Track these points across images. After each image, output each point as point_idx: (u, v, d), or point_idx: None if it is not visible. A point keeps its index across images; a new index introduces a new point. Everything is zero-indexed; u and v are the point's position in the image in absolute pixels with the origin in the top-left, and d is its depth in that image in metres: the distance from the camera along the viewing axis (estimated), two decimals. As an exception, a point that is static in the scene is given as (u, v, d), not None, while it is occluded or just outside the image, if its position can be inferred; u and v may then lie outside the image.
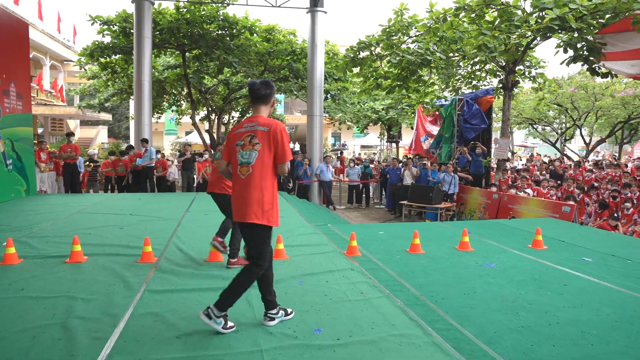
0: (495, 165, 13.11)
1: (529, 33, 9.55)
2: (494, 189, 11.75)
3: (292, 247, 5.59)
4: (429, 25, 10.60)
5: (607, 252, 5.88)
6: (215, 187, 4.76)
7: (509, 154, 15.34)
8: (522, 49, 10.37)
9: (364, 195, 15.03)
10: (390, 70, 12.95)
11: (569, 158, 21.69)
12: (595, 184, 11.04)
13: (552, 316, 3.61)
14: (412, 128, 18.48)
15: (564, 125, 22.47)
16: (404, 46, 12.45)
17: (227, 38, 12.96)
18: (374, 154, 31.52)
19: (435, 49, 11.55)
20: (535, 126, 22.69)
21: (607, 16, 8.94)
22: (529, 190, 10.66)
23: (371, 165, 15.98)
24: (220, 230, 4.81)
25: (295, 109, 38.23)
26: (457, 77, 15.03)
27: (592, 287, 4.38)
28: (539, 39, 10.11)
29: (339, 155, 23.98)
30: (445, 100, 14.52)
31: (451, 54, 11.89)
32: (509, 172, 12.76)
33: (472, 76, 14.73)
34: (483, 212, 11.07)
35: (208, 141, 16.99)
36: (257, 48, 13.65)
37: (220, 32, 13.19)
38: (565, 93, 19.06)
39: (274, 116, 23.15)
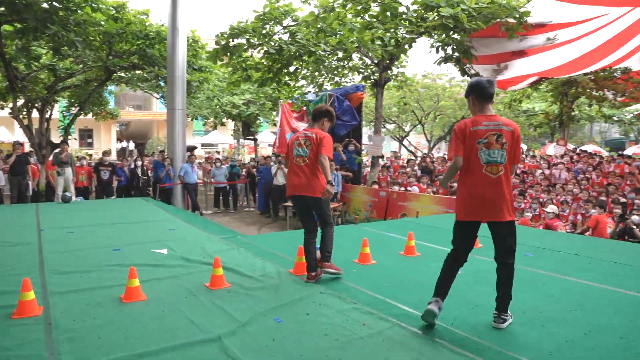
0: (371, 163, 13.25)
1: (417, 30, 9.68)
2: (375, 186, 11.80)
3: (225, 270, 4.51)
4: (316, 13, 10.09)
5: (537, 245, 6.03)
6: (307, 189, 4.35)
7: (383, 151, 15.79)
8: (408, 45, 10.53)
9: (230, 198, 13.96)
10: (262, 61, 12.16)
11: (412, 154, 23.45)
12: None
13: (587, 323, 3.32)
14: (274, 125, 17.91)
15: (407, 123, 24.21)
16: (276, 37, 11.78)
17: (63, 12, 10.68)
18: (218, 152, 30.22)
19: (311, 41, 11.13)
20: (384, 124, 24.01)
21: (488, 20, 9.46)
22: (414, 188, 10.89)
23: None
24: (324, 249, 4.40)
25: (127, 103, 34.67)
26: (321, 73, 14.92)
27: (567, 284, 4.28)
28: (420, 36, 10.32)
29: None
30: (317, 95, 14.22)
31: (329, 48, 11.59)
32: (387, 169, 12.99)
33: (336, 72, 14.76)
34: (370, 210, 11.00)
35: (27, 138, 13.96)
36: (104, 27, 11.57)
37: (52, 3, 10.82)
38: (414, 93, 20.39)
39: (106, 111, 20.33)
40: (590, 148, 19.90)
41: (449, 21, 8.83)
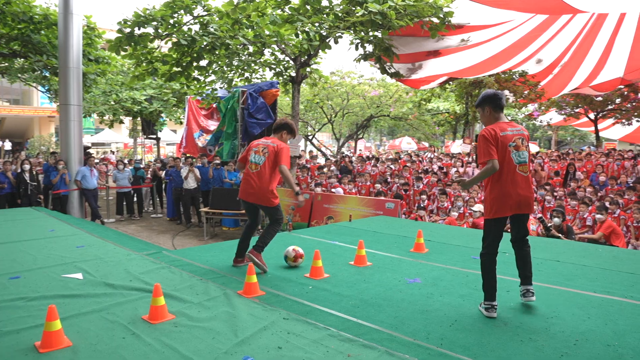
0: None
1: (344, 24, 9.43)
2: (297, 188, 11.41)
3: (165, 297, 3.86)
4: (235, 2, 9.45)
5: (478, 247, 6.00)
6: (257, 197, 4.70)
7: (300, 151, 15.38)
8: (334, 40, 10.25)
9: (135, 204, 12.80)
10: (170, 54, 11.23)
11: (322, 153, 23.42)
12: (389, 179, 11.84)
13: (572, 332, 3.19)
14: (180, 123, 16.80)
15: (314, 121, 24.10)
16: (186, 27, 10.94)
17: None
18: (113, 152, 28.04)
19: (227, 33, 10.47)
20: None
21: (414, 18, 9.46)
22: (339, 189, 10.67)
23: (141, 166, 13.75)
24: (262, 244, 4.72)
25: (1, 97, 30.90)
26: (231, 68, 14.24)
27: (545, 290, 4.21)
28: (348, 30, 10.10)
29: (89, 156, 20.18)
30: (229, 92, 13.48)
31: (247, 41, 11.00)
32: (306, 170, 12.63)
33: (246, 67, 14.17)
34: (292, 213, 10.59)
35: None
36: (-24, 7, 9.94)
37: None
38: (327, 90, 20.28)
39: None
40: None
41: (377, 17, 8.68)
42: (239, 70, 14.21)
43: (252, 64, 13.79)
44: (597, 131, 20.73)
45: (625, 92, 18.84)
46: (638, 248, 8.20)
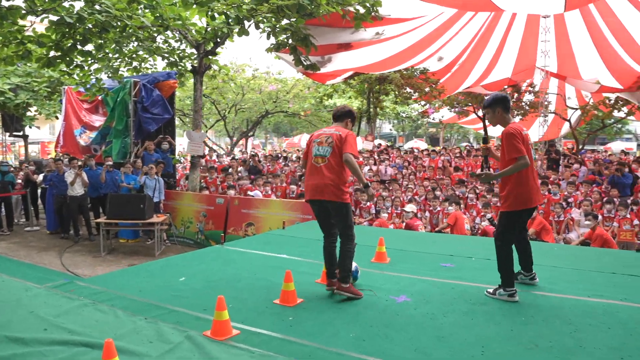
0: (190, 164, 11.66)
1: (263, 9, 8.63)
2: (205, 192, 10.40)
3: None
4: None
5: (445, 253, 5.68)
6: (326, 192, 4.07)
7: (206, 150, 14.10)
8: (255, 25, 9.39)
9: (4, 215, 10.79)
10: (48, 34, 9.54)
11: (214, 151, 22.20)
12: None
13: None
14: (56, 117, 14.62)
15: (208, 119, 22.78)
16: (67, 3, 9.37)
17: None
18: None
19: (125, 12, 9.14)
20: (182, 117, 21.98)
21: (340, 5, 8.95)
22: (256, 192, 9.84)
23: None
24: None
25: None
26: (120, 55, 12.72)
27: (540, 299, 3.91)
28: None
29: None
30: (119, 83, 11.89)
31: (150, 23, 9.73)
32: (214, 170, 11.55)
33: (134, 56, 12.77)
34: (204, 221, 9.56)
35: None
36: None
37: None
38: (214, 83, 19.10)
39: None
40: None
41: (305, 1, 8.03)
42: (126, 59, 12.75)
43: (141, 52, 12.44)
44: (485, 127, 22.04)
45: (509, 92, 20.22)
46: (561, 242, 8.51)
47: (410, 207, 8.70)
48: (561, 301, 4.03)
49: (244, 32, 8.91)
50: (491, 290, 4.10)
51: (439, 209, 9.38)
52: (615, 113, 19.44)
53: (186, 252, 5.89)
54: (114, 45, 10.88)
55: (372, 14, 9.08)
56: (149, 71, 13.80)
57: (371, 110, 18.68)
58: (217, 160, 14.12)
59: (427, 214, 9.55)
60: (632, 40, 14.20)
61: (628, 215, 8.20)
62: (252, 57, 57.56)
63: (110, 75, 12.17)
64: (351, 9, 9.05)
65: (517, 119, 21.61)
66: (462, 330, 3.38)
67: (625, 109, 19.15)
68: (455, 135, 42.64)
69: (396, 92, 17.82)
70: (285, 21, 10.03)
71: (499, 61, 17.63)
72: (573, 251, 6.18)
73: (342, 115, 4.34)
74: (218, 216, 9.37)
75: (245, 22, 9.05)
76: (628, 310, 3.81)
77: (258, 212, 8.93)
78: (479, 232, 8.55)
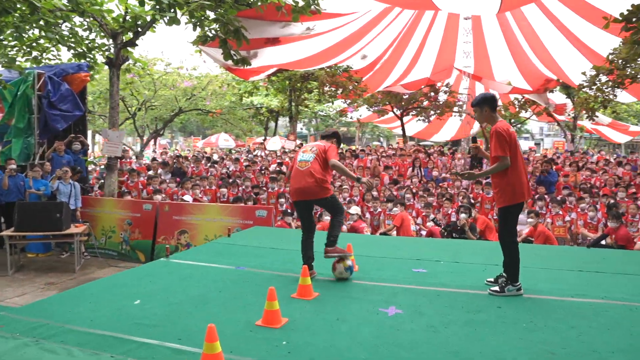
0: (106, 166, 10.64)
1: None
2: (127, 197, 9.55)
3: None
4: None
5: (409, 257, 5.54)
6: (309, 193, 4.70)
7: (125, 150, 12.80)
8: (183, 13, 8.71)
9: None
10: None
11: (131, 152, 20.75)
12: (238, 180, 10.74)
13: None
14: None
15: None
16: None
17: None
18: None
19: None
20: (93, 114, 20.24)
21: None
22: (188, 197, 9.16)
23: None
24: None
25: None
26: (13, 44, 11.42)
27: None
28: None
29: None
30: (20, 74, 10.55)
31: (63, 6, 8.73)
32: (136, 174, 10.60)
33: (34, 44, 11.56)
34: (129, 229, 8.75)
35: None
36: None
37: None
38: (125, 78, 17.82)
39: None
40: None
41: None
42: (24, 48, 11.50)
43: (42, 40, 11.26)
44: (402, 125, 22.62)
45: (427, 92, 20.90)
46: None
47: (355, 209, 8.53)
48: (548, 303, 4.03)
49: (174, 20, 8.23)
50: (497, 289, 4.17)
51: (379, 209, 9.32)
52: (522, 114, 20.79)
53: (131, 269, 5.22)
54: (11, 30, 9.74)
55: (312, 7, 8.79)
56: (52, 62, 12.53)
57: (293, 108, 18.40)
58: (135, 161, 13.07)
59: (367, 215, 9.45)
60: (542, 46, 15.15)
61: (560, 212, 8.64)
62: (164, 50, 54.84)
63: (4, 65, 10.84)
64: (290, 1, 8.70)
65: (432, 118, 22.52)
66: (472, 343, 3.21)
67: (530, 110, 20.53)
68: (367, 135, 43.59)
69: (320, 90, 17.69)
70: (211, 13, 9.51)
71: (419, 61, 18.12)
72: (533, 250, 6.27)
73: (329, 136, 5.11)
74: (146, 224, 8.60)
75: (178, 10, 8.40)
76: (615, 309, 3.87)
77: (192, 218, 8.30)
78: (424, 233, 8.57)
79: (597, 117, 16.09)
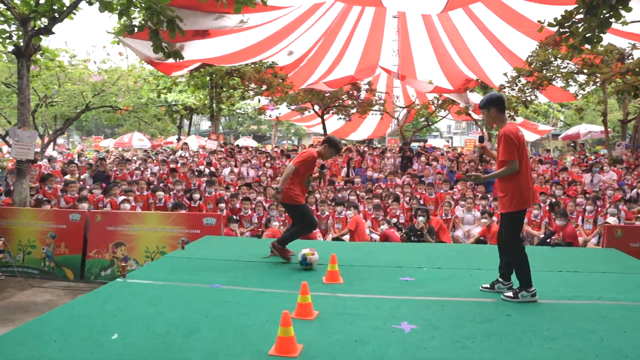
0: (16, 170, 9.43)
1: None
2: (47, 206, 8.57)
3: None
4: None
5: (388, 265, 5.38)
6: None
7: (37, 152, 11.25)
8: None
9: None
10: None
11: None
12: (169, 184, 10.04)
13: None
14: None
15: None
16: None
17: None
18: None
19: None
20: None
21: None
22: (126, 205, 8.36)
23: None
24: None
25: None
26: None
27: (537, 308, 3.84)
28: None
29: None
30: None
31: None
32: (51, 180, 9.48)
33: None
34: (52, 243, 7.81)
35: None
36: None
37: None
38: (32, 72, 16.07)
39: None
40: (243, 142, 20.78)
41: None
42: None
43: None
44: (323, 122, 22.56)
45: (349, 90, 21.01)
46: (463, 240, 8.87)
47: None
48: (550, 307, 4.06)
49: (107, 7, 7.43)
50: (510, 294, 4.15)
51: (327, 213, 9.11)
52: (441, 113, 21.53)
53: (85, 294, 4.49)
54: None
55: (257, -1, 8.35)
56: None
57: (214, 106, 17.70)
58: (49, 165, 11.80)
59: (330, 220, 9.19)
60: (465, 47, 15.76)
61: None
62: (67, 41, 50.66)
63: None
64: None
65: (353, 115, 22.69)
66: (506, 357, 3.09)
67: (447, 110, 21.29)
68: (279, 134, 43.27)
69: (244, 87, 17.14)
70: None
71: (343, 58, 18.16)
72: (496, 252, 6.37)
73: (323, 141, 5.64)
74: (73, 236, 7.71)
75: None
76: (615, 309, 3.98)
77: (130, 228, 7.56)
78: (376, 237, 8.46)
79: (517, 116, 17.05)
